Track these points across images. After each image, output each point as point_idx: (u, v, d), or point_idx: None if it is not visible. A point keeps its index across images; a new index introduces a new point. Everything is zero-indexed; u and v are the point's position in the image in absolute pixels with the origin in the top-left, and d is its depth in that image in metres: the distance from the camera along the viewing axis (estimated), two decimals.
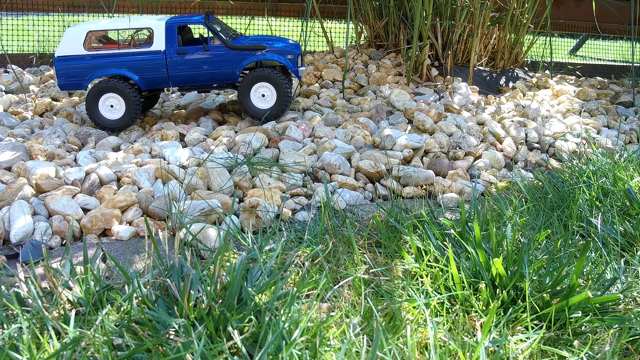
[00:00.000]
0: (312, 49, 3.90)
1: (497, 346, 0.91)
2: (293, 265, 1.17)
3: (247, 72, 2.19)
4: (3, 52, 3.35)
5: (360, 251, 1.24)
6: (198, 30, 2.42)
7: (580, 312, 1.02)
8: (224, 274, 1.01)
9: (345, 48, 2.73)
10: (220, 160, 1.72)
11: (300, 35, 3.71)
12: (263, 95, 2.14)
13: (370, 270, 1.16)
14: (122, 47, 2.10)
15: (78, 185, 1.57)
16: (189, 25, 2.21)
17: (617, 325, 1.00)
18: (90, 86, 2.12)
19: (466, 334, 0.97)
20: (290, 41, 2.27)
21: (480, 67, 3.22)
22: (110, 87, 2.07)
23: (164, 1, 3.65)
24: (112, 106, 2.09)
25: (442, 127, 2.19)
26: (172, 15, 2.25)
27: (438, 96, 2.67)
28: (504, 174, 1.95)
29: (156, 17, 2.25)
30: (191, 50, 2.09)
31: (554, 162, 2.08)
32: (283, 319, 0.89)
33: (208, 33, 2.12)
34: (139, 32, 2.20)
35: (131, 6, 3.60)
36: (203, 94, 2.59)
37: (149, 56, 2.08)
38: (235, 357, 0.84)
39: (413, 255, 1.21)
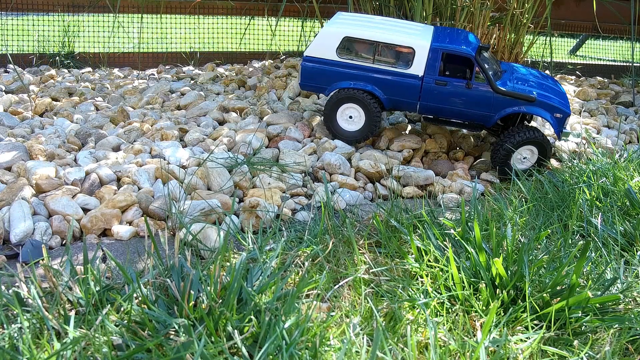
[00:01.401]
0: None
1: (497, 346, 0.91)
2: (293, 265, 1.17)
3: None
4: (3, 52, 3.35)
5: (360, 251, 1.24)
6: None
7: (580, 312, 1.02)
8: (224, 274, 1.01)
9: None
10: (220, 160, 1.72)
11: (301, 35, 3.71)
12: (524, 158, 1.89)
13: (370, 270, 1.16)
14: (377, 60, 1.89)
15: (78, 185, 1.57)
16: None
17: (617, 325, 1.00)
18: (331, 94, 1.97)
19: (466, 334, 0.97)
20: (561, 90, 1.97)
21: None
22: (350, 98, 1.93)
23: (164, 1, 3.65)
24: (350, 117, 1.97)
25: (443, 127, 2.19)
26: (439, 33, 1.97)
27: None
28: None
29: (420, 27, 2.00)
30: (452, 83, 1.84)
31: (554, 162, 2.08)
32: (283, 319, 0.89)
33: (474, 68, 1.83)
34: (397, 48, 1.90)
35: (131, 6, 3.60)
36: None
37: (404, 79, 1.88)
38: (235, 357, 0.84)
39: (413, 255, 1.21)
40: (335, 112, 1.97)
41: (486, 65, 1.85)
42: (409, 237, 1.22)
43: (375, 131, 1.96)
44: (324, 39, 1.91)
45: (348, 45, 1.90)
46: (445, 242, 1.22)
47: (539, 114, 1.81)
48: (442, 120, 1.97)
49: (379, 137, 2.04)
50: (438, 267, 1.14)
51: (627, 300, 1.08)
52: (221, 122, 2.28)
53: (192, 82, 2.96)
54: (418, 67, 1.85)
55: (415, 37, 1.87)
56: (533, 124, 2.37)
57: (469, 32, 2.00)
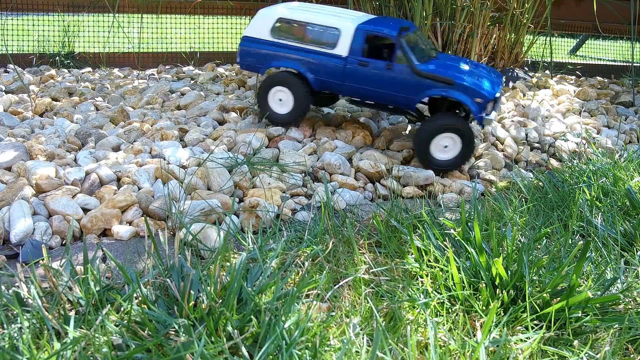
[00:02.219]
0: None
1: (497, 346, 0.91)
2: (293, 265, 1.17)
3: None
4: (3, 52, 3.35)
5: (360, 251, 1.24)
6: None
7: (580, 312, 1.02)
8: (224, 274, 1.01)
9: None
10: (220, 160, 1.72)
11: None
12: (445, 147, 1.84)
13: (371, 270, 1.16)
14: (306, 41, 1.94)
15: (78, 185, 1.57)
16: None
17: (617, 325, 1.00)
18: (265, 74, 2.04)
19: (466, 334, 0.97)
20: (494, 79, 1.91)
21: None
22: (280, 81, 1.99)
23: (164, 1, 3.65)
24: (280, 100, 2.03)
25: None
26: (365, 16, 1.99)
27: None
28: (504, 174, 1.95)
29: (358, 14, 2.02)
30: (374, 64, 1.86)
31: (554, 162, 2.08)
32: (283, 319, 0.89)
33: (396, 49, 1.84)
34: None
35: (130, 6, 3.60)
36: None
37: (329, 59, 1.91)
38: (235, 357, 0.84)
39: (413, 255, 1.21)
40: (266, 95, 2.03)
41: (411, 48, 1.85)
42: (409, 237, 1.22)
43: (304, 113, 2.00)
44: (260, 20, 1.99)
45: (282, 26, 1.97)
46: (445, 242, 1.22)
47: (458, 98, 1.77)
48: (370, 104, 1.96)
49: (379, 137, 2.05)
50: (438, 267, 1.14)
51: (627, 300, 1.08)
52: (221, 122, 2.28)
53: (192, 82, 2.96)
54: (342, 48, 1.88)
55: (344, 20, 1.91)
56: (535, 124, 2.37)
57: (406, 21, 2.01)
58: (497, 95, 1.81)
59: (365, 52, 1.88)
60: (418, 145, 1.83)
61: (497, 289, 1.07)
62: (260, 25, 1.99)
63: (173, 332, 0.87)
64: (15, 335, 0.86)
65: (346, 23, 1.89)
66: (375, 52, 1.94)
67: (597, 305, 1.03)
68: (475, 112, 1.77)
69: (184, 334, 0.84)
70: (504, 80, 3.10)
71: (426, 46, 1.98)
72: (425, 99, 1.83)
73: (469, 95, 1.77)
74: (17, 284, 0.97)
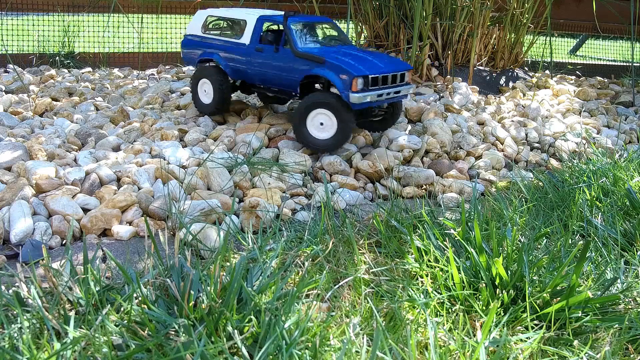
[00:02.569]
0: None
1: (497, 346, 0.91)
2: (293, 265, 1.17)
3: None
4: (3, 52, 3.35)
5: (360, 251, 1.24)
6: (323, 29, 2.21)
7: (580, 312, 1.02)
8: (224, 274, 1.01)
9: None
10: (220, 160, 1.72)
11: None
12: (321, 124, 1.88)
13: (371, 270, 1.16)
14: (223, 34, 2.17)
15: (78, 185, 1.57)
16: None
17: (617, 325, 1.00)
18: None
19: (466, 334, 0.97)
20: (378, 62, 1.93)
21: (480, 67, 3.22)
22: (203, 74, 2.18)
23: (164, 1, 3.65)
24: (205, 91, 2.20)
25: (443, 127, 2.19)
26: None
27: (438, 96, 2.67)
28: (504, 174, 1.95)
29: (278, 12, 2.21)
30: (267, 49, 2.01)
31: (554, 162, 2.08)
32: (283, 319, 0.89)
33: (284, 33, 1.97)
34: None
35: (131, 6, 3.60)
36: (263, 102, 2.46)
37: (235, 47, 2.11)
38: (235, 357, 0.84)
39: (413, 255, 1.21)
40: (196, 88, 2.22)
41: (303, 35, 1.98)
42: (409, 237, 1.22)
43: (224, 103, 2.16)
44: (196, 19, 2.27)
45: (210, 23, 2.23)
46: (445, 242, 1.22)
47: (326, 75, 1.85)
48: (270, 90, 2.09)
49: (379, 138, 2.05)
50: (438, 267, 1.14)
51: (627, 300, 1.08)
52: (221, 122, 2.28)
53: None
54: (246, 37, 2.07)
55: (253, 14, 2.10)
56: (535, 124, 2.37)
57: (319, 16, 2.19)
58: (373, 75, 1.82)
59: (263, 39, 2.03)
60: (294, 122, 1.91)
61: (497, 289, 1.07)
62: (196, 23, 2.26)
63: (173, 332, 0.87)
64: (15, 335, 0.86)
65: (252, 15, 2.09)
66: (275, 40, 2.06)
67: (597, 305, 1.03)
68: (340, 87, 1.82)
69: (184, 334, 0.84)
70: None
71: (330, 37, 2.12)
72: (303, 79, 1.96)
73: (335, 72, 1.83)
74: (17, 284, 0.97)
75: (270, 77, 2.03)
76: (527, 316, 1.00)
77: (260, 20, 2.05)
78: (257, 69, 2.05)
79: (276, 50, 1.97)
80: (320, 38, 2.06)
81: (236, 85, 2.22)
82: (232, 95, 2.28)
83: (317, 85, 2.04)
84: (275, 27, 2.14)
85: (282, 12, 2.11)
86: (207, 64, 2.21)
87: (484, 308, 1.04)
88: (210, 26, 2.22)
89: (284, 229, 1.40)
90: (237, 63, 2.11)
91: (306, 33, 2.01)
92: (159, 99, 2.54)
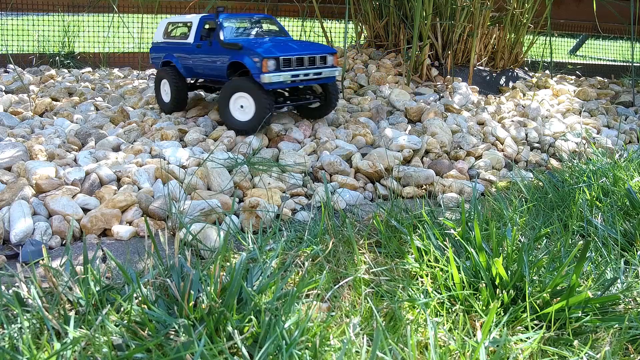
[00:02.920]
0: None
1: (497, 346, 0.91)
2: (293, 265, 1.17)
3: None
4: (3, 52, 3.35)
5: (360, 251, 1.24)
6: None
7: (580, 312, 1.02)
8: (224, 274, 1.01)
9: (345, 48, 2.73)
10: (220, 160, 1.72)
11: (300, 35, 3.71)
12: (242, 107, 2.03)
13: (371, 270, 1.16)
14: (177, 37, 2.35)
15: (78, 185, 1.57)
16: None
17: (617, 325, 1.00)
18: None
19: (466, 334, 0.97)
20: (296, 47, 2.06)
21: (480, 67, 3.22)
22: (162, 75, 2.34)
23: (163, 1, 3.65)
24: (165, 91, 2.35)
25: (443, 127, 2.19)
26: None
27: (438, 96, 2.67)
28: (504, 174, 1.95)
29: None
30: (204, 44, 2.16)
31: (554, 162, 2.08)
32: (283, 319, 0.89)
33: (217, 28, 2.11)
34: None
35: (131, 6, 3.60)
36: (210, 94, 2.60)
37: (183, 47, 2.27)
38: (235, 357, 0.84)
39: (413, 255, 1.21)
40: (158, 88, 2.37)
41: (235, 30, 2.15)
42: (409, 237, 1.22)
43: (181, 101, 2.30)
44: (160, 27, 2.47)
45: (169, 29, 2.41)
46: (445, 242, 1.22)
47: (242, 59, 1.99)
48: (212, 82, 2.26)
49: (379, 138, 2.04)
50: (438, 267, 1.14)
51: (627, 300, 1.08)
52: (221, 123, 2.28)
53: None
54: (191, 37, 2.24)
55: (199, 15, 2.26)
56: (535, 124, 2.37)
57: (257, 13, 2.35)
58: (284, 57, 1.95)
59: (203, 37, 2.19)
60: (220, 105, 2.06)
61: (497, 289, 1.07)
62: (159, 31, 2.46)
63: (173, 332, 0.87)
64: (15, 335, 0.86)
65: (197, 17, 2.25)
66: (209, 35, 2.21)
67: (597, 305, 1.03)
68: (252, 69, 1.95)
69: (184, 334, 0.84)
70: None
71: (266, 31, 2.26)
72: (228, 66, 2.11)
73: (249, 56, 1.97)
74: (17, 284, 0.97)
75: (208, 70, 2.19)
76: (527, 316, 1.00)
77: (201, 20, 2.21)
78: (198, 63, 2.21)
79: (209, 44, 2.13)
80: (253, 31, 2.21)
81: (195, 85, 2.39)
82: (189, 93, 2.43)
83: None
84: (214, 24, 2.26)
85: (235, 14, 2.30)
86: (166, 67, 2.37)
87: (484, 308, 1.04)
88: (169, 32, 2.40)
89: (284, 229, 1.40)
90: (186, 62, 2.27)
91: (239, 27, 2.17)
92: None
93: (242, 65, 2.04)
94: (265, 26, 2.25)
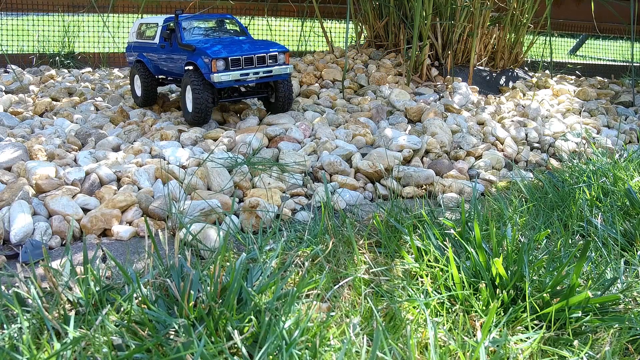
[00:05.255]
0: (312, 49, 3.90)
1: (497, 346, 0.91)
2: (293, 265, 1.17)
3: None
4: (3, 52, 3.35)
5: (360, 251, 1.24)
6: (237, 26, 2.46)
7: (580, 312, 1.02)
8: (224, 274, 1.01)
9: (345, 48, 2.73)
10: (220, 160, 1.72)
11: (300, 35, 3.71)
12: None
13: (370, 270, 1.16)
14: (146, 37, 2.46)
15: (78, 185, 1.57)
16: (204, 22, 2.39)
17: (617, 325, 1.00)
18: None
19: (466, 334, 0.97)
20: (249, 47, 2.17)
21: (480, 67, 3.22)
22: (135, 72, 2.46)
23: (163, 1, 3.65)
24: (139, 86, 2.46)
25: (443, 127, 2.19)
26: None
27: (438, 96, 2.67)
28: (504, 174, 1.95)
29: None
30: (166, 45, 2.29)
31: (554, 162, 2.08)
32: (283, 319, 0.89)
33: (176, 29, 2.23)
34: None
35: (131, 6, 3.60)
36: None
37: (151, 47, 2.40)
38: (235, 357, 0.84)
39: (413, 255, 1.21)
40: (132, 84, 2.50)
41: (187, 28, 2.25)
42: (409, 237, 1.22)
43: (150, 96, 2.43)
44: (133, 28, 2.58)
45: (141, 30, 2.51)
46: (445, 242, 1.22)
47: (194, 60, 2.11)
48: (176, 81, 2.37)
49: (379, 138, 2.04)
50: (438, 267, 1.13)
51: (627, 300, 1.08)
52: (221, 122, 2.28)
53: None
54: (157, 37, 2.36)
55: (164, 17, 2.36)
56: (534, 124, 2.37)
57: (222, 14, 2.52)
58: (232, 57, 2.06)
59: (166, 37, 2.27)
60: (182, 101, 2.18)
61: (497, 289, 1.07)
62: (133, 31, 2.57)
63: (173, 332, 0.87)
64: (15, 335, 0.86)
65: (162, 18, 2.36)
66: (170, 36, 2.31)
67: (597, 305, 1.03)
68: (203, 70, 2.07)
69: (184, 334, 0.84)
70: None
71: (225, 30, 2.36)
72: (186, 65, 2.21)
73: (200, 57, 2.08)
74: (17, 284, 0.97)
75: (170, 68, 2.32)
76: (527, 316, 1.00)
77: (165, 21, 2.32)
78: (163, 62, 2.34)
79: (170, 45, 2.26)
80: (212, 32, 2.33)
81: (163, 81, 2.48)
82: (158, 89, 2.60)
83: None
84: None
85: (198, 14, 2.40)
86: (138, 64, 2.48)
87: (484, 308, 1.04)
88: (142, 32, 2.51)
89: (284, 229, 1.40)
90: (153, 60, 2.40)
91: (197, 28, 2.29)
92: (158, 99, 2.54)
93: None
94: (225, 26, 2.36)
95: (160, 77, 2.46)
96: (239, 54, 2.07)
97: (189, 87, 2.11)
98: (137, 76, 2.44)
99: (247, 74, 2.10)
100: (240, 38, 2.30)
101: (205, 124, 2.17)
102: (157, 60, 2.36)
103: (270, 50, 2.14)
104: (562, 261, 1.16)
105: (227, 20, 2.38)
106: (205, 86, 2.07)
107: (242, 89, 2.29)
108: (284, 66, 2.17)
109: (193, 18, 2.30)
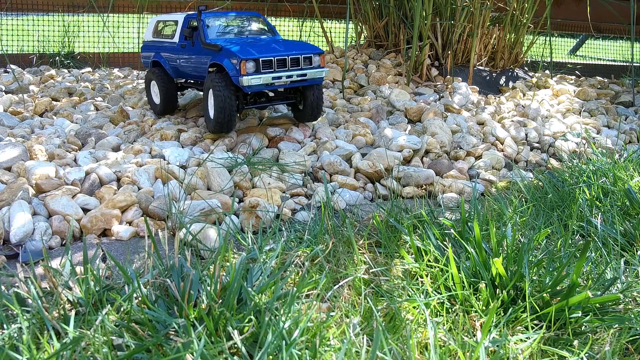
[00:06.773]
0: None
1: (497, 346, 0.91)
2: (293, 265, 1.17)
3: None
4: (3, 52, 3.35)
5: (360, 251, 1.24)
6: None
7: (580, 312, 1.02)
8: (224, 274, 1.01)
9: (345, 48, 2.73)
10: (220, 160, 1.72)
11: (300, 36, 3.71)
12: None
13: (370, 270, 1.16)
14: (164, 37, 2.28)
15: (78, 185, 1.57)
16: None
17: (617, 325, 1.00)
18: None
19: (466, 334, 0.97)
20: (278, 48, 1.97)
21: (480, 67, 3.22)
22: (151, 77, 2.28)
23: (163, 1, 3.65)
24: (155, 92, 2.30)
25: (443, 127, 2.19)
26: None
27: (438, 96, 2.67)
28: (504, 174, 1.95)
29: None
30: (187, 44, 2.10)
31: (554, 162, 2.08)
32: (283, 319, 0.89)
33: (199, 27, 2.05)
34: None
35: (131, 6, 3.60)
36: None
37: (170, 47, 2.21)
38: (235, 357, 0.84)
39: (413, 255, 1.21)
40: (149, 90, 2.33)
41: (211, 26, 2.07)
42: (408, 237, 1.22)
43: (171, 103, 2.25)
44: (150, 26, 2.40)
45: (158, 28, 2.33)
46: (445, 242, 1.22)
47: (221, 61, 1.91)
48: (198, 84, 2.20)
49: (379, 138, 2.04)
50: (438, 267, 1.14)
51: (627, 300, 1.08)
52: None
53: None
54: (177, 36, 2.17)
55: (185, 14, 2.19)
56: (534, 124, 2.37)
57: (244, 12, 2.28)
58: (263, 58, 1.87)
59: (187, 36, 2.10)
60: (203, 103, 2.01)
61: (497, 289, 1.07)
62: (149, 30, 2.39)
63: (173, 332, 0.87)
64: (15, 335, 0.86)
65: (182, 15, 2.17)
66: (191, 35, 2.13)
67: (597, 305, 1.03)
68: (231, 72, 1.87)
69: (183, 334, 0.84)
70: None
71: (252, 30, 2.17)
72: (209, 67, 2.04)
73: (227, 58, 1.88)
74: (17, 284, 0.97)
75: (192, 70, 2.12)
76: (527, 316, 1.00)
77: (186, 18, 2.13)
78: (183, 64, 2.14)
79: (192, 45, 2.07)
80: (237, 31, 2.13)
81: (183, 85, 2.30)
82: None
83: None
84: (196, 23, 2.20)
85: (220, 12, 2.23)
86: (155, 67, 2.30)
87: (484, 308, 1.04)
88: (159, 31, 2.33)
89: (284, 229, 1.40)
90: (172, 62, 2.21)
91: (222, 27, 2.10)
92: None
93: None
94: (252, 25, 2.17)
95: (179, 81, 2.29)
96: (271, 55, 1.86)
97: (211, 92, 1.91)
98: (153, 82, 2.26)
99: (280, 78, 1.88)
100: (270, 38, 2.12)
101: (229, 132, 1.97)
102: (177, 61, 2.17)
103: (305, 51, 1.94)
104: (562, 261, 1.16)
105: (255, 18, 2.18)
106: (230, 90, 1.88)
107: (271, 94, 2.12)
108: (319, 69, 1.96)
109: (218, 15, 2.10)
